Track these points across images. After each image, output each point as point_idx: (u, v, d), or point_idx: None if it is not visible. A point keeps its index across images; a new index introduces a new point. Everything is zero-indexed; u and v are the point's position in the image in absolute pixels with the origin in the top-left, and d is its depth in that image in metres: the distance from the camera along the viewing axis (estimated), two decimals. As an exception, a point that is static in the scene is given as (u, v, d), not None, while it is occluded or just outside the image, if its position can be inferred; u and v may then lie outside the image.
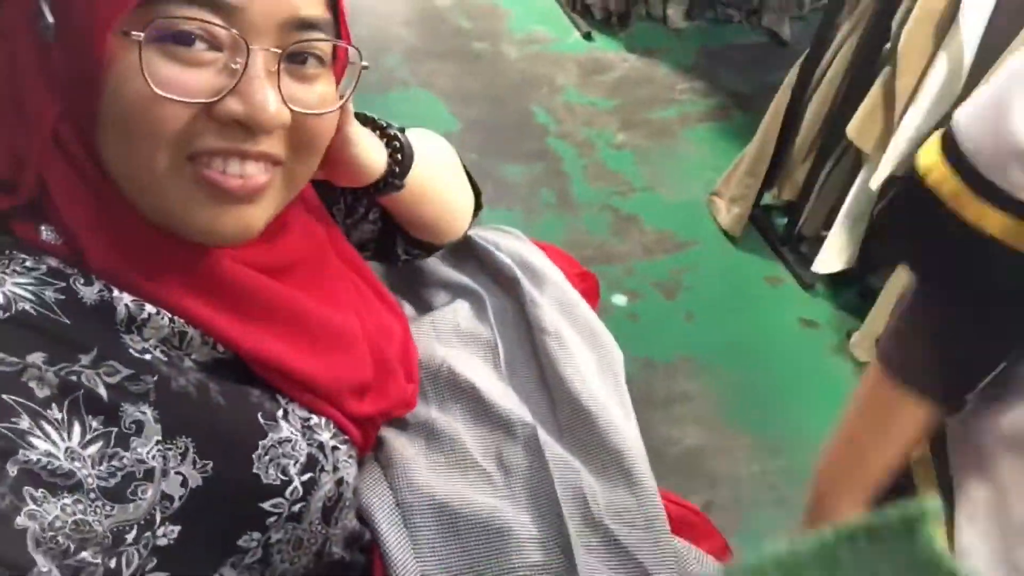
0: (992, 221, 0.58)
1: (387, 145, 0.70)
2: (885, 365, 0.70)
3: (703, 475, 1.63)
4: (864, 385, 0.73)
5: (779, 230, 2.17)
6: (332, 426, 0.64)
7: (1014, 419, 0.64)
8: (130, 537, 0.48)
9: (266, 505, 0.57)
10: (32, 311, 0.46)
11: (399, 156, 0.70)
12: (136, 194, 0.50)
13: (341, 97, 0.58)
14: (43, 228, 0.49)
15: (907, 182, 0.63)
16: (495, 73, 2.79)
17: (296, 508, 0.59)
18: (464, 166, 0.88)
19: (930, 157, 0.62)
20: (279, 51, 0.49)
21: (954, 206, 0.60)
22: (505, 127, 2.54)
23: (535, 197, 2.28)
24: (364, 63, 0.57)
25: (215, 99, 0.48)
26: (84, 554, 0.44)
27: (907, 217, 0.67)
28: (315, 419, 0.62)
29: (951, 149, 0.60)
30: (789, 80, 1.99)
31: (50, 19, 0.46)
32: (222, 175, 0.50)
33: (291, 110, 0.51)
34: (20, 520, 0.41)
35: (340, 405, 0.64)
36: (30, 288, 0.47)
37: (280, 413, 0.59)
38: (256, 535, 0.57)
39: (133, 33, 0.45)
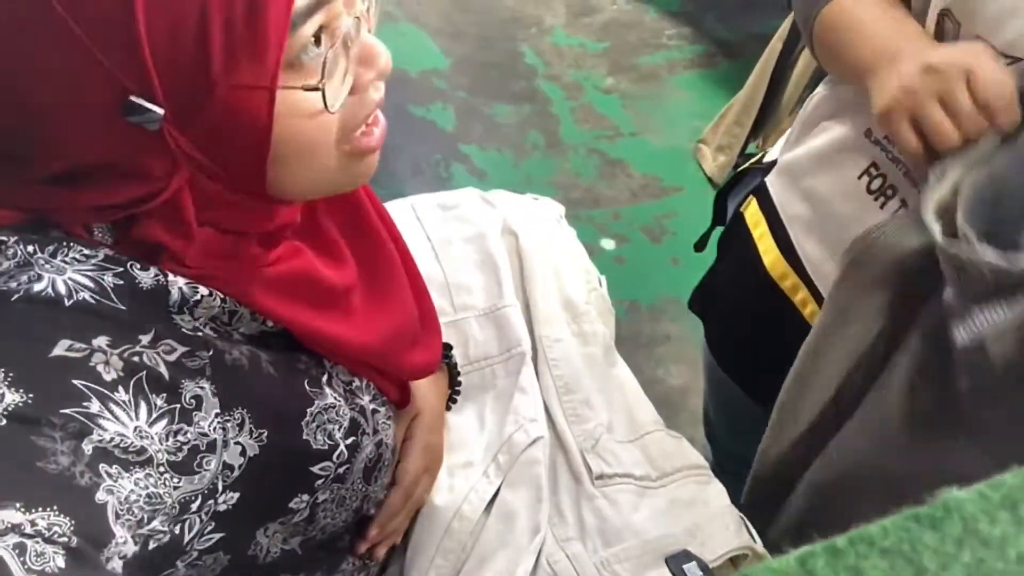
0: None
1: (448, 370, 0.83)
2: None
3: (686, 412, 1.71)
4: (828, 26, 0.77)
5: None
6: (372, 388, 0.66)
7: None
8: (195, 506, 0.50)
9: (315, 468, 0.59)
10: (91, 299, 0.47)
11: (455, 372, 0.84)
12: (296, 195, 0.54)
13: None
14: (95, 227, 0.50)
15: None
16: (484, 10, 2.77)
17: (341, 470, 0.62)
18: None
19: None
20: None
21: None
22: (494, 66, 2.54)
23: (524, 138, 2.31)
24: None
25: (352, 76, 0.49)
26: (154, 523, 0.46)
27: None
28: (356, 382, 0.65)
29: None
30: (781, 32, 2.03)
31: (159, 111, 0.43)
32: (368, 136, 0.53)
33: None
34: (100, 495, 0.42)
35: (398, 364, 0.67)
36: (90, 274, 0.47)
37: (325, 378, 0.61)
38: (305, 496, 0.60)
39: (306, 86, 0.46)
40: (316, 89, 0.46)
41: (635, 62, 2.64)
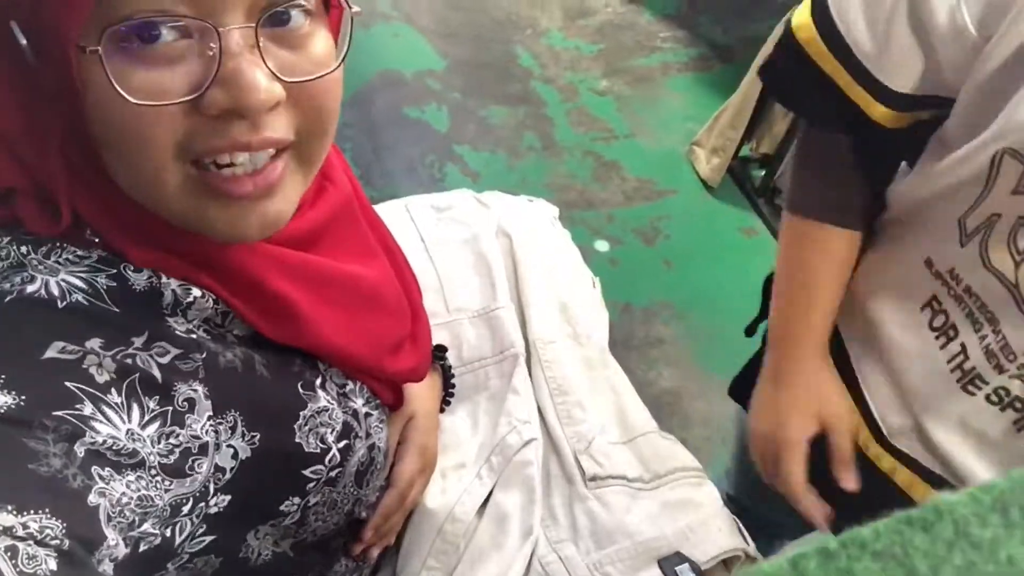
0: (843, 80, 0.67)
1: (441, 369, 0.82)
2: (800, 213, 0.77)
3: (677, 415, 1.71)
4: (789, 241, 0.78)
5: (756, 182, 2.23)
6: (365, 391, 0.66)
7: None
8: (186, 508, 0.49)
9: (307, 472, 0.59)
10: (84, 301, 0.46)
11: (449, 374, 0.83)
12: (153, 206, 0.48)
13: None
14: (87, 228, 0.49)
15: (785, 39, 0.71)
16: (479, 11, 2.77)
17: (333, 473, 0.61)
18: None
19: (802, 17, 0.69)
20: (252, 25, 0.44)
21: (818, 62, 0.68)
22: (489, 68, 2.54)
23: (519, 140, 2.31)
24: (355, 8, 0.49)
25: (198, 93, 0.43)
26: (146, 525, 0.46)
27: (787, 70, 0.74)
28: (350, 385, 0.64)
29: (818, 10, 0.67)
30: (775, 36, 2.03)
31: (22, 40, 0.42)
32: (233, 180, 0.46)
33: (284, 82, 0.45)
34: (92, 498, 0.42)
35: (379, 368, 0.66)
36: (83, 276, 0.47)
37: (319, 381, 0.61)
38: (296, 499, 0.59)
39: (89, 49, 0.41)
40: (93, 52, 0.41)
41: (630, 64, 2.65)
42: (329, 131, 0.51)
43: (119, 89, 0.42)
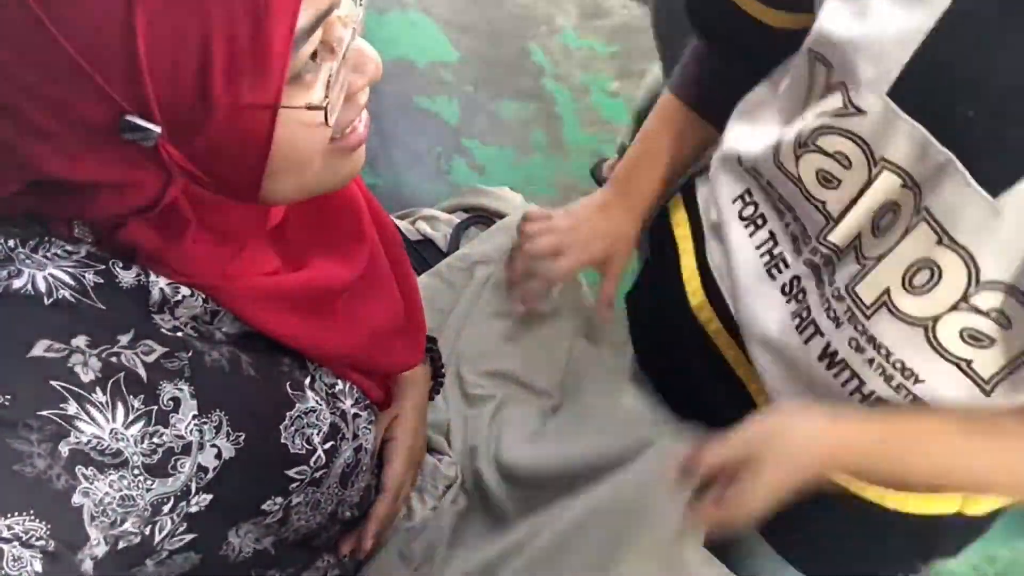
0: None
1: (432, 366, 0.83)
2: (681, 98, 0.87)
3: (668, 423, 1.71)
4: (662, 110, 0.89)
5: (761, 195, 2.22)
6: (355, 391, 0.66)
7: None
8: (167, 508, 0.50)
9: (291, 472, 0.59)
10: (71, 297, 0.46)
11: (439, 363, 0.84)
12: (285, 200, 0.53)
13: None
14: (75, 224, 0.49)
15: None
16: (495, 5, 2.76)
17: (318, 475, 0.61)
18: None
19: None
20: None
21: None
22: (501, 62, 2.53)
23: (526, 137, 2.30)
24: None
25: (346, 87, 0.49)
26: (126, 524, 0.46)
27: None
28: (340, 385, 0.64)
29: None
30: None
31: (156, 129, 0.41)
32: (357, 133, 0.52)
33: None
34: (76, 498, 0.42)
35: (377, 361, 0.66)
36: (71, 271, 0.47)
37: (308, 381, 0.61)
38: (279, 499, 0.59)
39: (310, 104, 0.45)
40: (320, 108, 0.46)
41: (643, 68, 2.64)
42: None
43: (331, 121, 0.47)
